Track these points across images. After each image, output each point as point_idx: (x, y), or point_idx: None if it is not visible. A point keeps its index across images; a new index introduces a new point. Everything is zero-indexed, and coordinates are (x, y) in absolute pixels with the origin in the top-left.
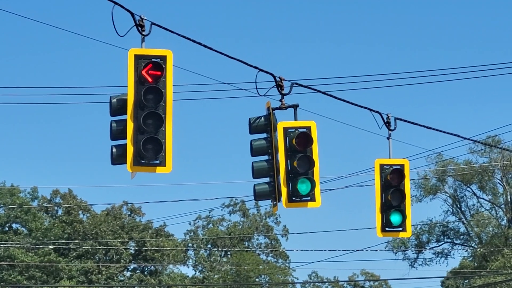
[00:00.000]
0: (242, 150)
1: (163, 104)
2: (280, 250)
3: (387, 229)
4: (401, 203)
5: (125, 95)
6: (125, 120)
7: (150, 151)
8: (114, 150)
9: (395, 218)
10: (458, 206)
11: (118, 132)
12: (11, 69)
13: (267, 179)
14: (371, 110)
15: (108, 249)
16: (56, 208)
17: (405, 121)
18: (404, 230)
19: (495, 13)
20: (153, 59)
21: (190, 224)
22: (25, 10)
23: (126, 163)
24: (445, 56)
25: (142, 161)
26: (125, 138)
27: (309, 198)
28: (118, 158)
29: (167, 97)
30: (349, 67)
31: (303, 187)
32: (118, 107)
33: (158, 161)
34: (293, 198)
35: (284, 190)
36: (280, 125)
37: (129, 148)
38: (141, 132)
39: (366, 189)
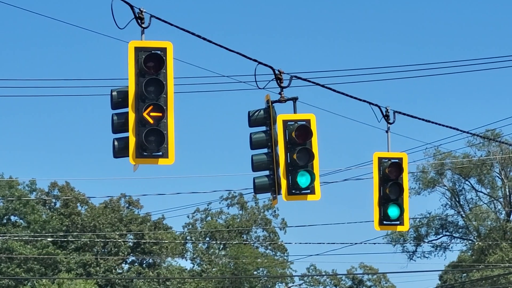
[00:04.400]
0: (241, 143)
1: (165, 96)
2: (279, 243)
3: (384, 222)
4: (399, 196)
5: (126, 87)
6: (127, 113)
7: (153, 143)
8: (116, 143)
9: (392, 212)
10: (457, 199)
11: (119, 125)
12: (10, 61)
13: (267, 172)
14: (370, 103)
15: (106, 242)
16: (54, 200)
17: (404, 114)
18: (401, 223)
19: (495, 7)
20: (153, 51)
21: (188, 217)
22: (24, 3)
23: (128, 156)
24: (444, 50)
25: (145, 153)
26: (127, 130)
27: (309, 191)
28: (120, 151)
29: (168, 88)
30: (348, 60)
31: (302, 179)
32: (119, 100)
33: (160, 153)
34: (293, 191)
35: (284, 183)
36: (280, 118)
37: (131, 141)
38: (143, 124)
39: (365, 182)
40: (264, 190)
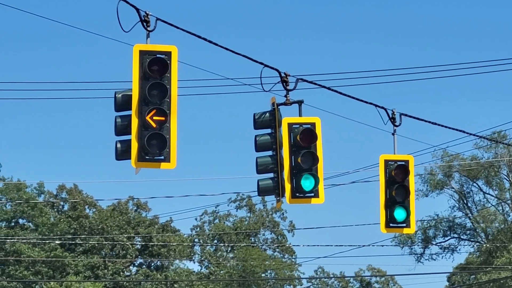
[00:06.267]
0: (248, 145)
1: (168, 100)
2: (286, 245)
3: (391, 225)
4: (405, 199)
5: (130, 90)
6: (130, 116)
7: (155, 147)
8: (118, 145)
9: (399, 214)
10: (465, 201)
11: (122, 128)
12: (16, 64)
13: (271, 175)
14: (376, 105)
15: (114, 244)
16: (62, 203)
17: (410, 116)
18: (408, 226)
19: (500, 9)
20: (158, 55)
21: (196, 219)
22: (29, 5)
23: (130, 159)
24: (451, 52)
25: (147, 157)
26: (130, 133)
27: (312, 194)
28: (122, 153)
29: (171, 93)
30: (354, 63)
31: (306, 183)
32: (122, 103)
33: (162, 157)
34: (297, 194)
35: (288, 186)
36: (285, 121)
37: (134, 144)
38: (146, 127)
39: (372, 184)
40: (268, 193)
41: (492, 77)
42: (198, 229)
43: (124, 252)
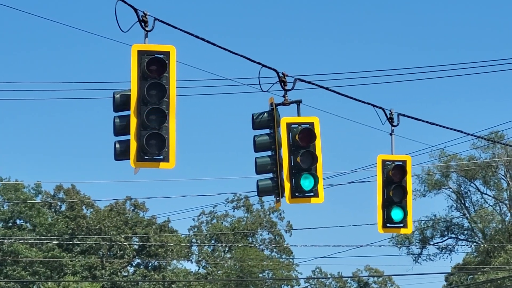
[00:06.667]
0: (246, 146)
1: (167, 100)
2: (284, 245)
3: (388, 225)
4: (402, 199)
5: (128, 90)
6: (129, 116)
7: (153, 147)
8: (117, 145)
9: (396, 214)
10: (462, 201)
11: (121, 128)
12: (16, 64)
13: (270, 175)
14: (374, 105)
15: (111, 245)
16: (59, 203)
17: (408, 116)
18: (405, 226)
19: (499, 9)
20: (156, 55)
21: (194, 219)
22: (29, 5)
23: (129, 159)
24: (448, 52)
25: (146, 157)
26: (129, 133)
27: (312, 193)
28: (121, 153)
29: (170, 92)
30: (352, 63)
31: (306, 182)
32: (121, 103)
33: (161, 157)
34: (296, 194)
35: (287, 186)
36: (283, 121)
37: (133, 144)
38: (145, 127)
39: (370, 184)
40: (267, 193)
41: (490, 77)
42: (196, 229)
43: (122, 252)
